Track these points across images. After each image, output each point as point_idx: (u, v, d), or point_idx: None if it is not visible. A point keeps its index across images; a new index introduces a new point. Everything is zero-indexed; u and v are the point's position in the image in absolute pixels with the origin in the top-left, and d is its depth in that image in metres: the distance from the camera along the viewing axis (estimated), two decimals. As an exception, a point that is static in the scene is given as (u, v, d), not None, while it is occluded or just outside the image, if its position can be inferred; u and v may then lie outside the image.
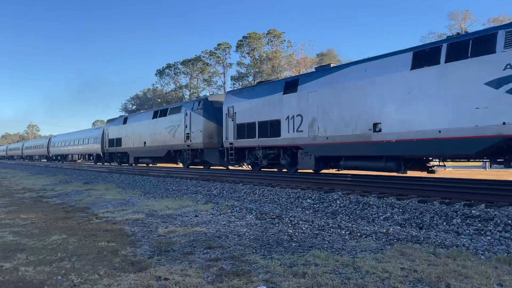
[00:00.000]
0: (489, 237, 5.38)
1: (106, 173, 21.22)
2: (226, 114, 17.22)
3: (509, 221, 5.71)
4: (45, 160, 56.23)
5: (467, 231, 5.74)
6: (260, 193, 10.15)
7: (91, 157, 39.72)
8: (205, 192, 11.63)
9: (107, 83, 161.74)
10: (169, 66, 66.62)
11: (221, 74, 62.96)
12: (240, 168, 19.44)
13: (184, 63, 64.55)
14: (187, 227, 6.49)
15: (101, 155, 33.95)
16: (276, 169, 16.55)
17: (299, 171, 14.91)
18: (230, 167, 20.07)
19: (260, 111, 15.28)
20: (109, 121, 33.20)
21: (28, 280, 3.93)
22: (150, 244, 5.33)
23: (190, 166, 21.70)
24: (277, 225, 6.53)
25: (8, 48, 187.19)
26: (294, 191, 9.59)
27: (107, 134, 31.61)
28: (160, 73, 67.92)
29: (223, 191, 11.29)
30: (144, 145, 24.99)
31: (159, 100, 65.67)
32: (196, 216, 7.59)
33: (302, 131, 13.33)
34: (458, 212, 6.37)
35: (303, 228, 6.22)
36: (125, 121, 28.98)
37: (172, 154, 22.65)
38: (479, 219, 6.02)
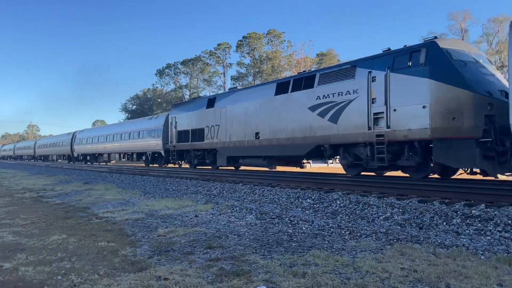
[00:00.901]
0: (489, 237, 5.37)
1: (106, 173, 21.22)
2: None
3: (509, 221, 5.71)
4: (66, 160, 45.84)
5: (467, 231, 5.74)
6: (260, 193, 10.15)
7: (143, 157, 28.68)
8: (205, 192, 11.63)
9: (107, 82, 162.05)
10: (169, 66, 66.68)
11: (221, 74, 63.05)
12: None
13: (184, 63, 64.60)
14: (187, 227, 6.49)
15: (162, 153, 24.79)
16: None
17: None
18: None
19: None
20: (177, 105, 24.00)
21: (28, 280, 3.93)
22: (150, 244, 5.33)
23: (362, 173, 12.61)
24: (277, 225, 6.54)
25: (7, 47, 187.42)
26: (294, 191, 9.59)
27: (174, 124, 22.54)
28: (160, 73, 67.95)
29: (223, 191, 11.29)
30: (255, 138, 16.13)
31: (159, 100, 65.68)
32: (196, 216, 7.60)
33: None
34: (458, 212, 6.37)
35: (303, 228, 6.22)
36: (211, 103, 19.69)
37: (326, 152, 13.31)
38: (479, 219, 6.02)
